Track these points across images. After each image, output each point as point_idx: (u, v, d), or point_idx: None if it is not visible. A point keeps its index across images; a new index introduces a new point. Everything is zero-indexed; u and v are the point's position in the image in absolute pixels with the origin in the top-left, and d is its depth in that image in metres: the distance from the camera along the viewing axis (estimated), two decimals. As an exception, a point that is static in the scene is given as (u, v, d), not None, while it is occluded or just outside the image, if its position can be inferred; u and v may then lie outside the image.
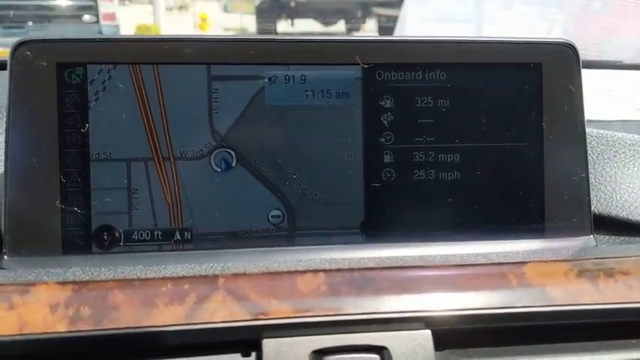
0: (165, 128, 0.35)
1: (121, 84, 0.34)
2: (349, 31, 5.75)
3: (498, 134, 0.37)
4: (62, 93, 0.34)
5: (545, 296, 0.29)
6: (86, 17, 4.51)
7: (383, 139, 0.36)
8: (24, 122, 0.33)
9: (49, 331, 0.25)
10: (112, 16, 4.67)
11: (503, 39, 0.38)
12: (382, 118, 0.36)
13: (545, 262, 0.31)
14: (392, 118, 0.36)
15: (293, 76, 0.36)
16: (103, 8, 4.55)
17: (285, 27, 5.55)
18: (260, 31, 5.27)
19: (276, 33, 5.18)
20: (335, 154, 0.36)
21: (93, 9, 4.51)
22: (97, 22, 4.50)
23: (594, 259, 0.32)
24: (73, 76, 0.34)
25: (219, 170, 0.35)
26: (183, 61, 0.35)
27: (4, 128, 0.34)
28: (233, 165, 0.35)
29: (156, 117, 0.35)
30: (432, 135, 0.37)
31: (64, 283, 0.28)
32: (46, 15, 4.45)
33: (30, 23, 4.21)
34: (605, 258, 0.32)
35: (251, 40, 0.36)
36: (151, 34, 7.41)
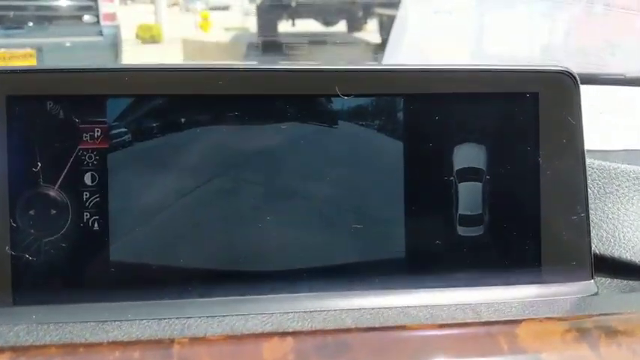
0: None
1: (69, 117, 0.31)
2: (350, 31, 5.72)
3: (491, 170, 0.34)
4: (12, 130, 0.31)
5: (540, 364, 0.26)
6: (86, 18, 4.49)
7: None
8: None
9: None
10: (112, 17, 4.65)
11: (496, 67, 0.35)
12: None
13: (540, 320, 0.28)
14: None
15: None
16: (104, 8, 4.53)
17: (286, 27, 5.52)
18: (261, 31, 5.25)
19: (276, 33, 5.16)
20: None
21: (93, 9, 4.49)
22: (98, 22, 4.48)
23: (595, 316, 0.29)
24: (22, 109, 0.31)
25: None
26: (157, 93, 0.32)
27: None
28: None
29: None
30: None
31: (2, 350, 0.25)
32: (47, 16, 4.43)
33: (30, 24, 4.20)
34: (607, 315, 0.29)
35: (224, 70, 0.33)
36: (153, 34, 7.40)
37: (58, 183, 0.31)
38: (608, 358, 0.26)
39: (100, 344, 0.25)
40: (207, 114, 0.33)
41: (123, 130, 0.32)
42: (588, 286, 0.34)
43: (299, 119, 0.33)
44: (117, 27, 4.67)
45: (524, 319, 0.28)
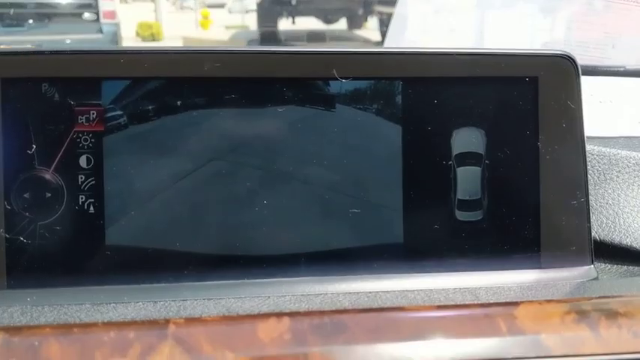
0: None
1: (64, 99, 0.31)
2: (350, 29, 5.71)
3: (490, 154, 0.34)
4: (6, 112, 0.31)
5: (540, 345, 0.25)
6: (86, 15, 4.49)
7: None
8: None
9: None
10: (112, 14, 4.64)
11: (496, 51, 0.34)
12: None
13: (540, 302, 0.28)
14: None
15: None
16: (104, 6, 4.53)
17: (286, 25, 5.51)
18: (261, 29, 5.24)
19: (277, 31, 5.15)
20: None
21: (93, 7, 4.49)
22: (97, 20, 4.48)
23: (594, 298, 0.28)
24: (17, 91, 0.31)
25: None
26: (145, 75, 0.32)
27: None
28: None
29: None
30: None
31: (-6, 330, 0.25)
32: (47, 13, 4.43)
33: (30, 21, 4.20)
34: (607, 297, 0.29)
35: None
36: (152, 32, 7.39)
37: (53, 166, 0.31)
38: (609, 339, 0.26)
39: (94, 324, 0.25)
40: (203, 97, 0.32)
41: (118, 112, 0.32)
42: (588, 271, 0.34)
43: (297, 102, 0.33)
44: (117, 25, 4.67)
45: (522, 302, 0.28)
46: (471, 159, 0.34)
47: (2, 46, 0.32)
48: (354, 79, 0.33)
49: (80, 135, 0.31)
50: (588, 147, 0.37)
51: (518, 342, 0.26)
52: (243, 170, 0.32)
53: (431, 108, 0.34)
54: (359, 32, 5.60)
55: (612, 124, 0.47)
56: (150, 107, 0.32)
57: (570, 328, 0.26)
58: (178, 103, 0.32)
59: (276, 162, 0.33)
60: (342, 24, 5.85)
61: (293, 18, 5.71)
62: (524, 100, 0.34)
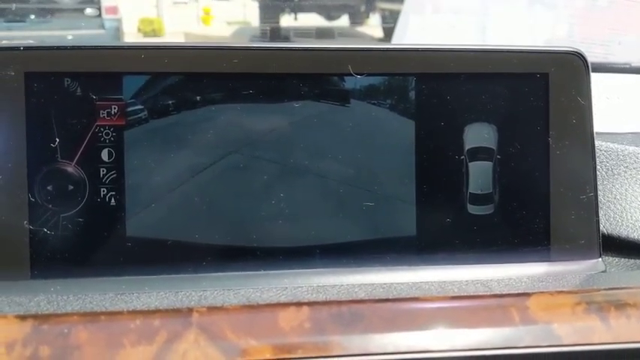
0: None
1: (86, 94, 0.32)
2: (353, 25, 5.71)
3: (502, 149, 0.35)
4: (30, 106, 0.32)
5: (551, 335, 0.26)
6: (88, 11, 4.49)
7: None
8: None
9: (4, 374, 0.23)
10: (114, 10, 4.64)
11: (507, 47, 0.35)
12: None
13: (551, 293, 0.29)
14: None
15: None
16: (106, 2, 4.52)
17: (288, 21, 5.51)
18: (263, 25, 5.24)
19: (279, 27, 5.14)
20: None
21: (95, 2, 4.49)
22: (100, 15, 4.48)
23: (604, 290, 0.29)
24: (40, 86, 0.32)
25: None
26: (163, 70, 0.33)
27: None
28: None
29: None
30: None
31: (24, 317, 0.25)
32: (49, 8, 4.42)
33: (32, 17, 4.20)
34: (616, 289, 0.29)
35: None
36: (154, 28, 7.38)
37: (76, 159, 0.32)
38: (618, 329, 0.27)
39: (120, 312, 0.26)
40: (222, 92, 0.33)
41: (139, 107, 0.32)
42: (596, 264, 0.35)
43: (312, 97, 0.33)
44: (119, 20, 4.66)
45: (534, 292, 0.28)
46: (483, 154, 0.35)
47: (28, 42, 0.33)
48: (369, 75, 0.34)
49: (102, 129, 0.32)
50: (597, 143, 0.37)
51: (531, 331, 0.26)
52: (260, 164, 0.33)
53: (443, 103, 0.34)
54: (361, 29, 5.60)
55: (619, 121, 0.48)
56: (169, 102, 0.33)
57: (581, 318, 0.27)
58: (197, 98, 0.33)
59: (292, 156, 0.33)
60: (344, 20, 5.85)
61: (295, 14, 5.71)
62: (535, 96, 0.35)
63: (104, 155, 0.32)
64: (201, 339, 0.24)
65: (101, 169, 0.32)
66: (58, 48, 0.32)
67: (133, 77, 0.32)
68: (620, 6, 0.78)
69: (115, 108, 0.32)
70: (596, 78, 0.59)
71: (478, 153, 0.35)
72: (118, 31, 4.52)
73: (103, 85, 0.32)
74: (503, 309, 0.27)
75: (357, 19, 5.74)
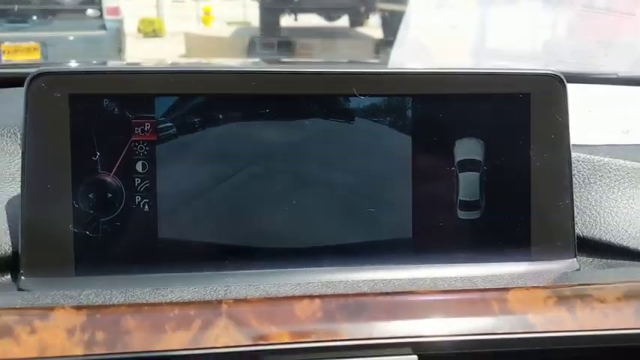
0: None
1: (123, 113, 0.36)
2: (352, 26, 5.74)
3: (488, 161, 0.39)
4: (74, 124, 0.36)
5: (526, 323, 0.31)
6: (90, 11, 4.51)
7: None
8: (39, 151, 0.36)
9: (67, 354, 0.28)
10: (116, 10, 4.67)
11: (494, 71, 0.40)
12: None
13: (527, 288, 0.33)
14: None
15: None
16: (107, 2, 4.55)
17: (288, 22, 5.55)
18: (263, 26, 5.27)
19: (279, 27, 5.18)
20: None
21: (96, 3, 4.51)
22: (101, 16, 4.50)
23: (574, 285, 0.34)
24: (83, 106, 0.36)
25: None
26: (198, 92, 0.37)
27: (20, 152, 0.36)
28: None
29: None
30: None
31: (79, 308, 0.30)
32: (50, 9, 4.45)
33: (34, 17, 4.22)
34: (585, 285, 0.34)
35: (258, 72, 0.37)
36: (155, 28, 7.39)
37: (114, 170, 0.36)
38: (583, 319, 0.31)
39: (160, 304, 0.30)
40: (241, 111, 0.37)
41: (169, 124, 0.37)
42: (571, 263, 0.39)
43: (321, 115, 0.38)
44: (120, 21, 4.69)
45: (513, 288, 0.33)
46: (471, 165, 0.39)
47: (70, 64, 0.37)
48: (371, 95, 0.38)
49: (136, 144, 0.37)
50: (575, 154, 0.42)
51: (509, 320, 0.31)
52: (275, 174, 0.38)
53: (437, 121, 0.39)
54: (361, 29, 5.64)
55: (600, 133, 0.52)
56: (196, 120, 0.37)
57: (551, 309, 0.32)
58: (220, 116, 0.37)
59: (303, 167, 0.38)
60: (344, 21, 5.89)
61: (295, 15, 5.74)
62: (518, 114, 0.39)
63: (138, 167, 0.37)
64: (230, 326, 0.29)
65: (136, 179, 0.37)
66: (99, 72, 0.37)
67: (163, 98, 0.37)
68: (607, 19, 0.82)
69: (147, 125, 0.37)
70: (581, 89, 0.64)
71: (467, 165, 0.39)
72: (119, 32, 4.55)
73: (137, 105, 0.37)
74: (485, 302, 0.32)
75: (357, 19, 5.77)
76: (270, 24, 5.24)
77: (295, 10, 5.64)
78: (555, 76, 0.40)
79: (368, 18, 5.78)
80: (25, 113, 0.36)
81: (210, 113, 0.37)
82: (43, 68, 0.36)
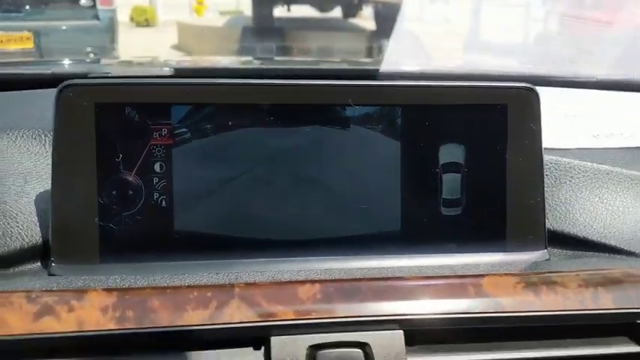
0: None
1: (142, 119, 0.41)
2: (345, 17, 5.76)
3: (469, 164, 0.44)
4: (99, 129, 0.40)
5: (498, 305, 0.36)
6: (83, 1, 4.49)
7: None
8: (68, 153, 0.40)
9: (102, 328, 0.32)
10: (109, 0, 4.65)
11: (475, 84, 0.44)
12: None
13: (500, 275, 0.38)
14: None
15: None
16: (100, -8, 4.53)
17: (281, 12, 5.55)
18: (256, 16, 5.27)
19: (272, 18, 5.18)
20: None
21: (90, -8, 4.49)
22: (94, 6, 4.48)
23: (541, 273, 0.39)
24: (107, 113, 0.40)
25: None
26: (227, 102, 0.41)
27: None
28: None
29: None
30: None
31: (109, 290, 0.34)
32: (44, -1, 4.43)
33: (27, 7, 4.20)
34: (551, 272, 0.39)
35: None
36: (147, 17, 7.33)
37: (135, 170, 0.41)
38: (547, 301, 0.36)
39: (180, 287, 0.35)
40: (248, 118, 0.42)
41: (184, 130, 0.41)
42: (542, 254, 0.44)
43: (319, 122, 0.42)
44: (113, 11, 4.67)
45: (487, 274, 0.38)
46: (454, 167, 0.44)
47: (98, 76, 0.41)
48: (365, 105, 0.43)
49: (155, 147, 0.41)
50: (547, 157, 0.47)
51: (483, 302, 0.36)
52: (278, 175, 0.42)
53: (423, 128, 0.43)
54: (354, 21, 5.66)
55: (572, 137, 0.57)
56: (208, 126, 0.42)
57: (520, 293, 0.36)
58: (230, 123, 0.42)
59: (303, 169, 0.42)
60: (337, 12, 5.90)
61: (288, 5, 5.74)
62: (496, 122, 0.44)
63: (157, 167, 0.41)
64: (242, 306, 0.34)
65: (154, 178, 0.41)
66: (121, 84, 0.41)
67: (179, 107, 0.41)
68: (587, 27, 0.87)
69: (165, 131, 0.41)
70: (561, 94, 0.68)
71: (450, 167, 0.44)
72: (112, 21, 4.53)
73: (155, 113, 0.41)
74: (463, 286, 0.37)
75: (350, 11, 5.78)
76: (263, 15, 5.24)
77: (289, 1, 5.64)
78: (530, 88, 0.44)
79: (361, 9, 5.79)
80: (55, 119, 0.40)
81: (220, 120, 0.42)
82: (71, 80, 0.40)
